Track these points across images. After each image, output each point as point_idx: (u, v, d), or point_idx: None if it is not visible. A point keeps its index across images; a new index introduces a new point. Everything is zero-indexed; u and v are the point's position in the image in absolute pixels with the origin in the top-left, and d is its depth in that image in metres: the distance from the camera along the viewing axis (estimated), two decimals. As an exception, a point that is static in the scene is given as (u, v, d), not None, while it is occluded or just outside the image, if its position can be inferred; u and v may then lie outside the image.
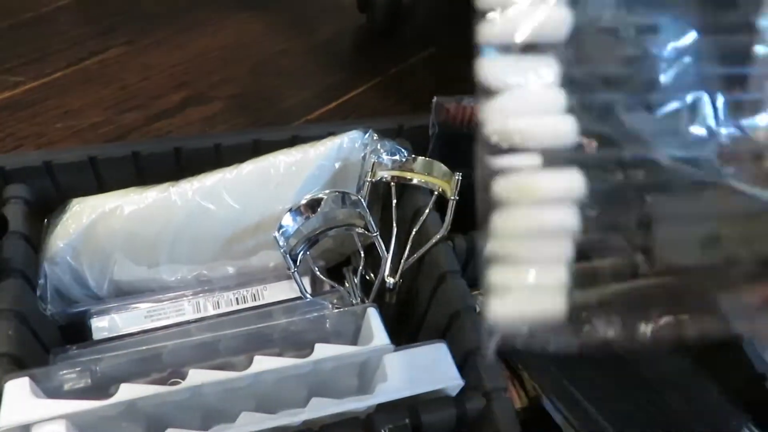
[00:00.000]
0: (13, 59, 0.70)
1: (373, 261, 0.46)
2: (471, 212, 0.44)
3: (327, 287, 0.46)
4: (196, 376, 0.32)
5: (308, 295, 0.42)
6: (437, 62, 0.81)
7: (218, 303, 0.44)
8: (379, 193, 0.46)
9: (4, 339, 0.34)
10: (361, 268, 0.44)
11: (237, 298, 0.44)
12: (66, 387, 0.33)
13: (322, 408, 0.33)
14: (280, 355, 0.36)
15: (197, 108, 0.69)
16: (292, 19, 0.83)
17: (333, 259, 0.49)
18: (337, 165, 0.42)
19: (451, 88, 0.77)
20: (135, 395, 0.31)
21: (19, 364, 0.34)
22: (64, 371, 0.33)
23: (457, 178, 0.42)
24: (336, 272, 0.48)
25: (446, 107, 0.46)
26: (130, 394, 0.31)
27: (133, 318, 0.43)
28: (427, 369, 0.35)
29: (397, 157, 0.42)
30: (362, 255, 0.44)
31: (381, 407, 0.35)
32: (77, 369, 0.33)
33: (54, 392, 0.32)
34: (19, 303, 0.36)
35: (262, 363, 0.33)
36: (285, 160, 0.41)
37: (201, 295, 0.44)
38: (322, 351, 0.34)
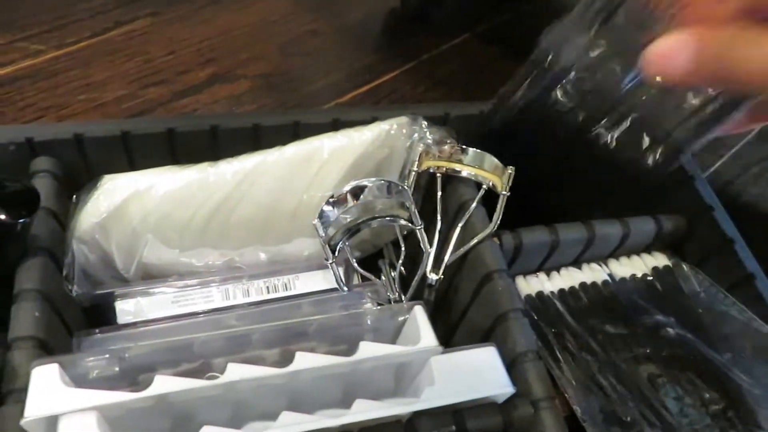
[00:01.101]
0: (34, 26, 0.67)
1: (407, 254, 0.44)
2: (519, 208, 0.42)
3: (359, 280, 0.44)
4: (235, 371, 0.30)
5: (346, 288, 0.40)
6: (470, 49, 0.78)
7: (248, 291, 0.42)
8: (420, 183, 0.44)
9: (31, 321, 0.32)
10: (400, 262, 0.41)
11: (268, 287, 0.42)
12: (93, 375, 0.31)
13: (366, 410, 0.31)
14: (313, 349, 0.34)
15: (224, 86, 0.66)
16: (321, -1, 0.80)
17: (367, 250, 0.47)
18: (382, 152, 0.40)
19: (483, 76, 0.75)
20: (170, 388, 0.29)
21: (44, 348, 0.32)
22: (93, 358, 0.31)
23: (510, 172, 0.39)
24: (367, 264, 0.46)
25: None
26: (165, 387, 0.29)
27: (160, 303, 0.41)
28: (476, 374, 0.33)
29: (446, 147, 0.40)
30: (403, 248, 0.41)
31: (423, 412, 0.33)
32: (106, 356, 0.31)
33: (81, 380, 0.30)
34: (45, 283, 0.34)
35: (305, 360, 0.31)
36: (329, 144, 0.39)
37: (230, 282, 0.42)
38: (368, 349, 0.32)
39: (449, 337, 0.44)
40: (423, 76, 0.73)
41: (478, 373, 0.33)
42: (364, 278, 0.43)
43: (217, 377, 0.30)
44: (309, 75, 0.70)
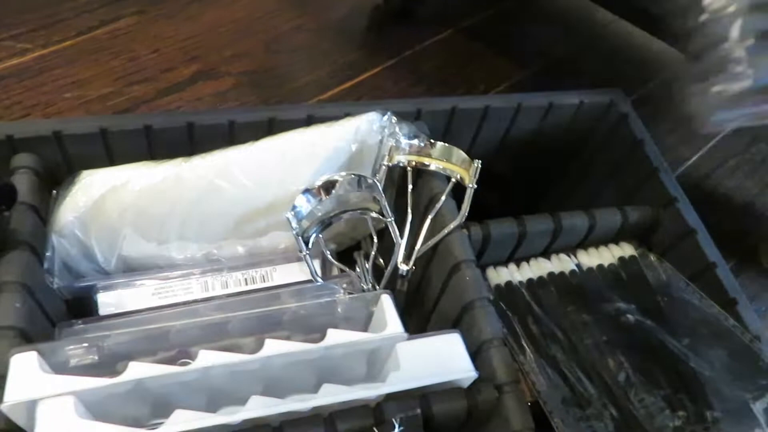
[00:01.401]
0: (21, 25, 0.69)
1: (384, 247, 0.45)
2: (487, 200, 0.44)
3: (337, 271, 0.46)
4: (206, 357, 0.31)
5: (319, 279, 0.41)
6: (452, 45, 0.79)
7: (227, 283, 0.43)
8: (394, 177, 0.45)
9: (11, 312, 0.33)
10: (373, 253, 0.43)
11: (246, 279, 0.44)
12: (72, 363, 0.33)
13: (333, 394, 0.32)
14: (288, 338, 0.36)
15: (208, 83, 0.67)
16: (305, -5, 0.81)
17: (344, 243, 0.48)
18: (353, 147, 0.41)
19: (465, 71, 0.76)
20: (144, 374, 0.30)
21: (25, 338, 0.33)
22: (72, 347, 0.32)
23: (476, 165, 0.41)
24: (346, 256, 0.47)
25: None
26: (138, 372, 0.30)
27: (140, 295, 0.42)
28: (440, 359, 0.34)
29: (415, 142, 0.41)
30: (375, 240, 0.43)
31: (391, 396, 0.34)
32: (84, 345, 0.33)
33: (60, 367, 0.32)
34: (26, 275, 0.35)
35: (273, 346, 0.32)
36: (301, 139, 0.40)
37: (209, 274, 0.43)
38: (335, 337, 0.33)
39: (424, 326, 0.45)
40: (406, 72, 0.74)
41: (442, 359, 0.34)
42: (341, 270, 0.44)
43: (189, 363, 0.31)
44: (293, 72, 0.71)
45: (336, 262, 0.43)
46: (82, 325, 0.39)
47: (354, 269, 0.44)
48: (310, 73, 0.72)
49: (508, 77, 0.75)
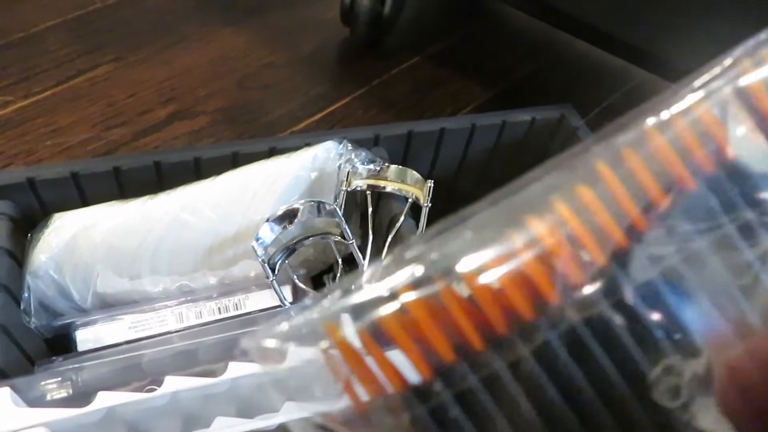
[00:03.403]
0: (3, 79, 0.71)
1: (354, 269, 0.47)
2: (444, 217, 0.45)
3: (308, 295, 0.47)
4: (172, 382, 0.33)
5: (287, 303, 0.43)
6: (420, 71, 0.82)
7: (201, 313, 0.45)
8: (357, 201, 0.48)
9: (-13, 352, 0.35)
10: (338, 275, 0.45)
11: (219, 308, 0.45)
12: (48, 397, 0.34)
13: (296, 411, 0.33)
14: (259, 361, 0.37)
15: (183, 122, 0.70)
16: (276, 33, 0.84)
17: (315, 267, 0.50)
18: (313, 175, 0.43)
19: (433, 95, 0.79)
20: (112, 402, 0.32)
21: (2, 376, 0.35)
22: (45, 381, 0.34)
23: (429, 184, 0.43)
24: (319, 280, 0.49)
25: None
26: (107, 401, 0.32)
27: (117, 329, 0.44)
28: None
29: (371, 166, 0.43)
30: (340, 263, 0.45)
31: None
32: (58, 379, 0.34)
33: (36, 402, 0.33)
34: (2, 317, 0.37)
35: (237, 368, 0.34)
36: (262, 171, 0.42)
37: (184, 305, 0.45)
38: (296, 355, 0.35)
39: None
40: (375, 100, 0.77)
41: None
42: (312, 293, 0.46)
43: (155, 389, 0.33)
44: (266, 106, 0.74)
45: (304, 286, 0.45)
46: (61, 362, 0.41)
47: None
48: (282, 106, 0.74)
49: (474, 99, 0.78)
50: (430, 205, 0.42)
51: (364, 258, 0.43)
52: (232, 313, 0.46)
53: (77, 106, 0.70)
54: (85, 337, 0.43)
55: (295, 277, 0.44)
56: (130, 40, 0.79)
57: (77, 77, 0.73)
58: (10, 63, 0.73)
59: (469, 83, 0.81)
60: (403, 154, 0.50)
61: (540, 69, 0.85)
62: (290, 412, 0.33)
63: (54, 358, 0.41)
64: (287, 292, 0.46)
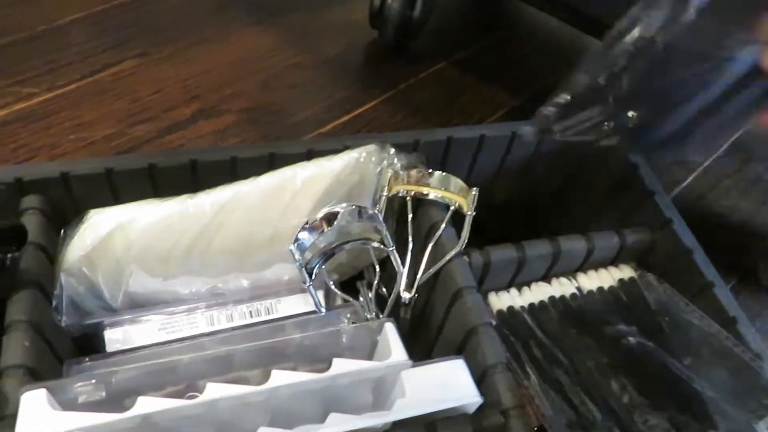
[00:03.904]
0: (27, 71, 0.70)
1: (387, 276, 0.46)
2: (487, 227, 0.44)
3: (341, 301, 0.46)
4: (214, 390, 0.32)
5: (323, 309, 0.41)
6: (447, 76, 0.81)
7: (232, 316, 0.44)
8: (394, 207, 0.46)
9: (20, 350, 0.33)
10: (376, 282, 0.43)
11: (251, 311, 0.44)
12: (81, 399, 0.33)
13: (340, 423, 0.32)
14: (294, 369, 0.36)
15: (208, 121, 0.69)
16: (302, 34, 0.84)
17: (346, 272, 0.49)
18: (353, 179, 0.42)
19: (459, 101, 0.78)
20: (152, 409, 0.31)
21: (34, 376, 0.34)
22: (80, 383, 0.33)
23: (474, 192, 0.42)
24: (349, 286, 0.48)
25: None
26: (147, 407, 0.31)
27: (147, 330, 0.42)
28: (446, 385, 0.35)
29: (413, 172, 0.42)
30: (377, 270, 0.43)
31: (398, 424, 0.34)
32: (93, 381, 0.33)
33: (69, 404, 0.32)
34: (34, 314, 0.35)
35: (279, 377, 0.33)
36: (301, 173, 0.41)
37: (215, 308, 0.44)
38: (340, 366, 0.34)
39: (429, 353, 0.46)
40: (401, 104, 0.76)
41: (448, 385, 0.35)
42: (344, 300, 0.45)
43: (197, 396, 0.31)
44: (291, 108, 0.73)
45: (339, 292, 0.44)
46: (89, 362, 0.40)
47: (357, 299, 0.45)
48: (308, 108, 0.73)
49: (502, 106, 0.77)
50: (474, 213, 0.41)
51: (402, 265, 0.42)
52: (264, 317, 0.44)
53: (102, 100, 0.69)
54: (113, 337, 0.42)
55: (330, 282, 0.43)
56: (155, 37, 0.78)
57: (102, 71, 0.72)
58: (34, 55, 0.72)
59: (498, 89, 0.80)
60: (441, 160, 0.49)
61: (568, 74, 0.84)
62: (335, 424, 0.32)
63: (82, 358, 0.40)
64: (320, 297, 0.45)
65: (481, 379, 0.37)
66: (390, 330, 0.36)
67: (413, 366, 0.35)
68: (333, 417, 0.32)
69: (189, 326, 0.43)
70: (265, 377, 0.36)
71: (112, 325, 0.42)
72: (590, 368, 0.37)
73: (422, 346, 0.46)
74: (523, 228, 0.51)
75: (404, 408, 0.33)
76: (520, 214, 0.56)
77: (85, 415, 0.30)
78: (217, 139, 0.67)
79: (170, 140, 0.66)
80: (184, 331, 0.43)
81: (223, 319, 0.44)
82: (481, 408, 0.35)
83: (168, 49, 0.77)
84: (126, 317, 0.42)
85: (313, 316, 0.43)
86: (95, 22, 0.79)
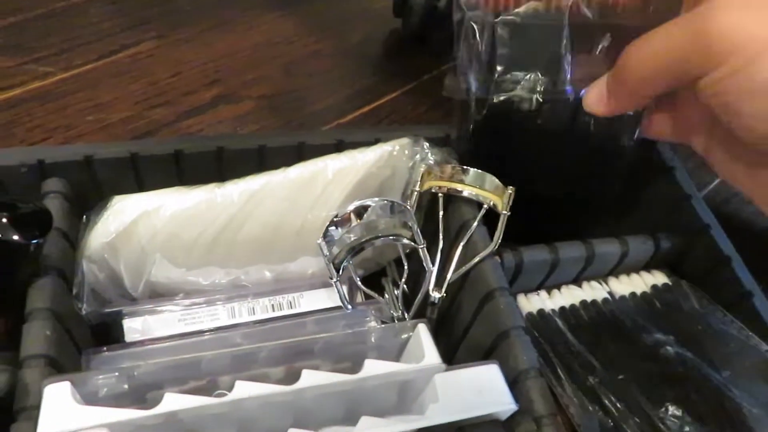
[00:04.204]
0: (43, 49, 0.69)
1: (410, 273, 0.44)
2: (519, 227, 0.43)
3: (363, 297, 0.45)
4: (243, 389, 0.30)
5: (350, 306, 0.40)
6: (470, 70, 0.80)
7: (253, 309, 0.43)
8: (422, 202, 0.45)
9: (42, 340, 0.32)
10: (404, 280, 0.42)
11: (273, 305, 0.43)
12: (103, 392, 0.32)
13: (372, 427, 0.31)
14: (318, 367, 0.35)
15: (228, 106, 0.67)
16: (324, 21, 0.82)
17: (370, 268, 0.48)
18: (385, 172, 0.41)
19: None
20: (180, 406, 0.29)
21: (54, 366, 0.32)
22: (103, 376, 0.32)
23: (510, 191, 0.40)
24: (370, 282, 0.47)
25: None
26: (174, 404, 0.29)
27: (167, 321, 0.41)
28: (479, 391, 0.33)
29: (448, 168, 0.41)
30: (406, 266, 0.42)
31: (427, 429, 0.33)
32: (115, 374, 0.32)
33: (90, 397, 0.31)
34: (55, 302, 0.34)
35: (311, 378, 0.31)
36: (333, 165, 0.40)
37: (236, 300, 0.43)
38: (373, 367, 0.32)
39: (451, 355, 0.44)
40: (423, 96, 0.74)
41: (482, 391, 0.33)
42: (367, 296, 0.44)
43: (225, 395, 0.30)
44: (311, 96, 0.71)
45: (365, 289, 0.43)
46: (108, 353, 0.38)
47: (381, 295, 0.44)
48: (329, 97, 0.72)
49: (526, 102, 0.75)
50: (509, 213, 0.40)
51: (432, 264, 0.40)
52: (286, 311, 0.43)
53: (119, 82, 0.67)
54: (133, 326, 0.41)
55: (357, 278, 0.42)
56: (173, 18, 0.76)
57: (119, 52, 0.70)
58: (51, 32, 0.71)
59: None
60: (472, 157, 0.47)
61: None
62: (367, 428, 0.31)
63: (101, 347, 0.38)
64: (345, 292, 0.43)
65: (512, 384, 0.35)
66: (423, 331, 0.35)
67: (446, 370, 0.34)
68: (365, 420, 0.31)
69: (210, 318, 0.42)
70: (288, 374, 0.35)
71: (132, 314, 0.41)
72: (627, 376, 0.36)
73: (444, 348, 0.45)
74: (549, 227, 0.50)
75: (438, 413, 0.32)
76: (548, 214, 0.55)
77: (110, 410, 0.29)
78: (237, 126, 0.65)
79: (189, 125, 0.64)
80: (204, 323, 0.42)
81: (244, 311, 0.42)
82: (513, 415, 0.34)
83: (187, 31, 0.75)
84: (146, 307, 0.41)
85: (337, 312, 0.42)
86: (113, 0, 0.77)
